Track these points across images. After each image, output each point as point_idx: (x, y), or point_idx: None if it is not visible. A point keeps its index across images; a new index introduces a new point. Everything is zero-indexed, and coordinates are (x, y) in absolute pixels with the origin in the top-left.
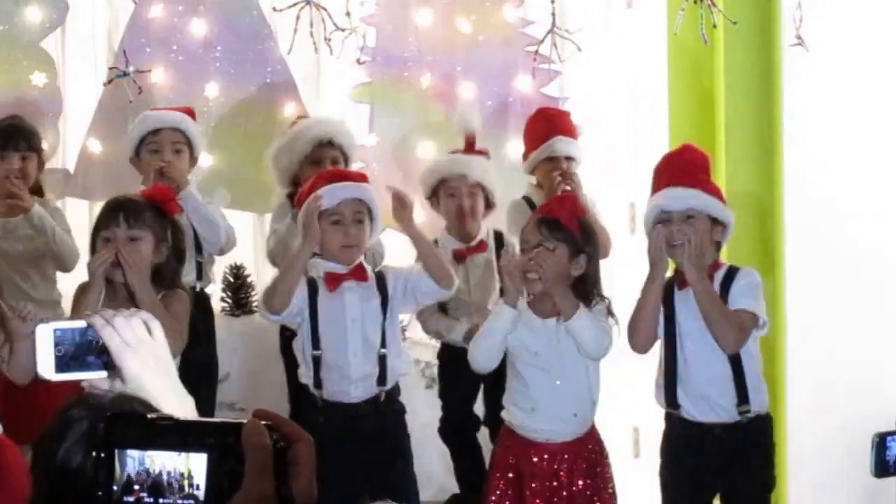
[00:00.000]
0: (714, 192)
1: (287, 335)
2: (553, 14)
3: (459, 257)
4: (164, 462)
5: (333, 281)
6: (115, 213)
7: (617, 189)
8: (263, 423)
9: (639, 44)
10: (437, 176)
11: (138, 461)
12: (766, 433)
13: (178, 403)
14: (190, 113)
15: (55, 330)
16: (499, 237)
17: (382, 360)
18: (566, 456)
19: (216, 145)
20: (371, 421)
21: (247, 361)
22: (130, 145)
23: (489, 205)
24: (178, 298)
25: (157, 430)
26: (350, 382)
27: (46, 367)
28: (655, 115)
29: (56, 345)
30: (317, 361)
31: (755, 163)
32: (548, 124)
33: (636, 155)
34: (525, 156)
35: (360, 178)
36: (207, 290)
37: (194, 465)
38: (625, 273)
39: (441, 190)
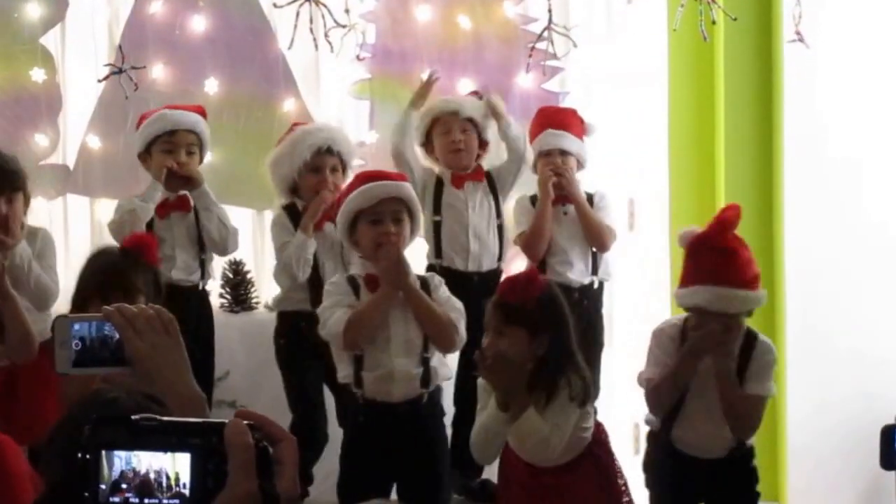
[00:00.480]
0: (755, 278)
1: (282, 343)
2: (549, 10)
3: (458, 182)
4: (150, 462)
5: (374, 283)
6: (110, 284)
7: (616, 185)
8: (246, 422)
9: (639, 39)
10: (431, 116)
11: (125, 461)
12: (752, 458)
13: (188, 400)
14: (202, 112)
15: (73, 324)
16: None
17: (426, 361)
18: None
19: (216, 142)
20: (410, 422)
21: (246, 359)
22: (142, 141)
23: (482, 144)
24: None
25: (141, 431)
26: (392, 382)
27: (64, 362)
28: (655, 111)
29: (73, 339)
30: (358, 360)
31: (755, 160)
32: (544, 120)
33: (636, 151)
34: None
35: (398, 177)
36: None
37: (180, 465)
38: (623, 268)
39: (434, 131)
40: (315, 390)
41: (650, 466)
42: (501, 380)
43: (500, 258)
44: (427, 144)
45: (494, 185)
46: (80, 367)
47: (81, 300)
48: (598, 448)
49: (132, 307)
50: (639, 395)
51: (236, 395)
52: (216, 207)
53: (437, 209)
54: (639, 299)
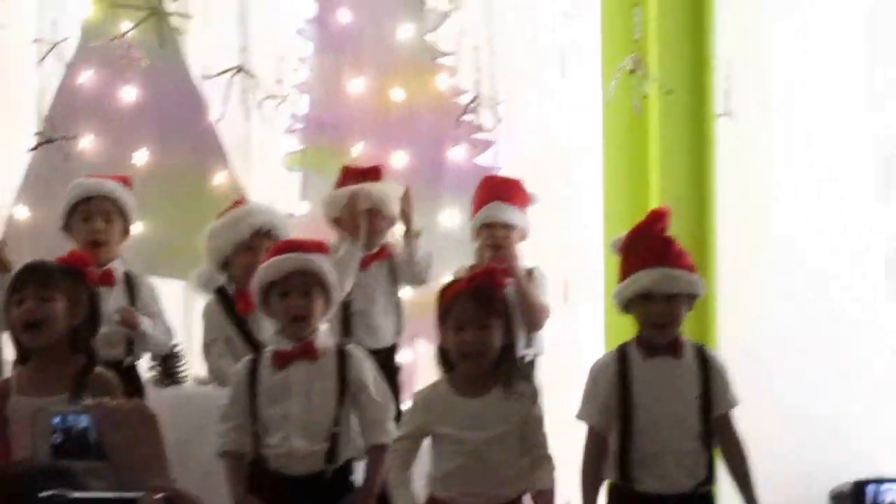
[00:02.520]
0: (693, 267)
1: None
2: (478, 83)
3: (364, 263)
4: None
5: (281, 359)
6: (27, 276)
7: (550, 259)
8: (159, 496)
9: (573, 112)
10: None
11: None
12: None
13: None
14: (125, 181)
15: (53, 417)
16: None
17: (334, 437)
18: None
19: (145, 212)
20: (314, 496)
21: (175, 432)
22: (62, 213)
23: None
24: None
25: None
26: (291, 459)
27: (43, 454)
28: (589, 184)
29: (53, 432)
30: (256, 436)
31: (689, 231)
32: (489, 191)
33: (569, 225)
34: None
35: (314, 247)
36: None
37: None
38: (555, 343)
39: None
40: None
41: None
42: (480, 368)
43: (397, 332)
44: (338, 219)
45: (395, 266)
46: (60, 459)
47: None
48: None
49: (111, 402)
50: (570, 472)
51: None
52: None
53: None
54: (571, 374)
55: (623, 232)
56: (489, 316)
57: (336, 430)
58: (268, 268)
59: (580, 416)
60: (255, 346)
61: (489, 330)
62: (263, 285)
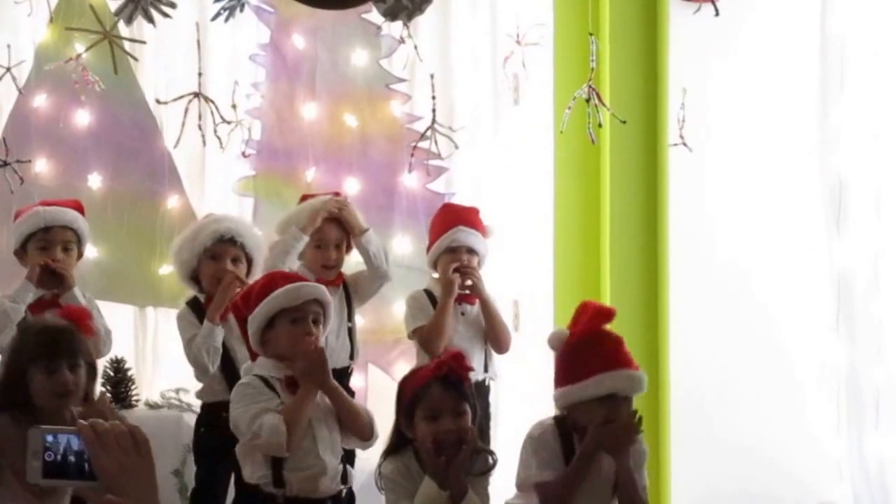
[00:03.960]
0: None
1: (201, 432)
2: (433, 110)
3: None
4: None
5: (294, 385)
6: (56, 344)
7: (502, 285)
8: None
9: (526, 141)
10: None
11: None
12: None
13: None
14: (79, 207)
15: (46, 435)
16: None
17: (343, 458)
18: None
19: (99, 237)
20: None
21: None
22: (17, 238)
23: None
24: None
25: None
26: (321, 479)
27: (34, 473)
28: (541, 212)
29: (46, 450)
30: (276, 461)
31: (641, 260)
32: (451, 216)
33: (521, 251)
34: (428, 248)
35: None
36: None
37: None
38: (507, 369)
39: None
40: (221, 484)
41: None
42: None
43: (351, 356)
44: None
45: (349, 292)
46: (50, 478)
47: (25, 362)
48: None
49: (105, 424)
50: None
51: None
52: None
53: None
54: (522, 400)
55: (560, 328)
56: (463, 402)
57: (346, 450)
58: (282, 294)
59: (527, 485)
60: (225, 354)
61: (465, 416)
62: (273, 312)
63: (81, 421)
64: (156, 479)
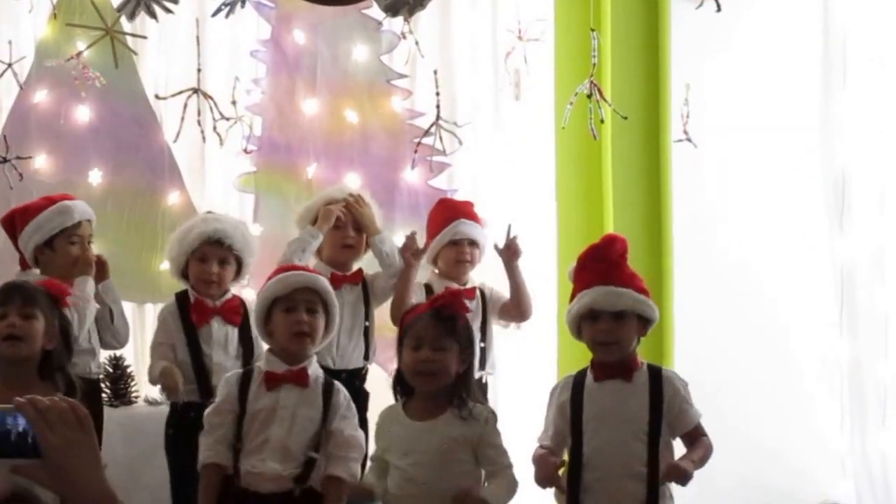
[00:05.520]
0: (644, 290)
1: (170, 432)
2: (438, 106)
3: (336, 283)
4: None
5: (273, 380)
6: (11, 293)
7: (504, 282)
8: None
9: (527, 136)
10: (324, 201)
11: None
12: None
13: (100, 497)
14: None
15: None
16: (480, 292)
17: (309, 463)
18: None
19: (98, 233)
20: None
21: (125, 452)
22: (43, 234)
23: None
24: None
25: None
26: (262, 481)
27: None
28: (543, 208)
29: None
30: (236, 452)
31: (644, 256)
32: (451, 210)
33: (523, 248)
34: (426, 244)
35: (315, 271)
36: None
37: None
38: (508, 365)
39: (325, 222)
40: (191, 483)
41: None
42: (432, 388)
43: (366, 357)
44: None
45: (367, 292)
46: None
47: None
48: None
49: (45, 400)
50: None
51: (114, 489)
52: (120, 303)
53: None
54: (524, 395)
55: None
56: (447, 338)
57: (313, 455)
58: (274, 284)
59: (539, 440)
60: (198, 356)
61: (445, 352)
62: (267, 302)
63: (19, 398)
64: (100, 454)
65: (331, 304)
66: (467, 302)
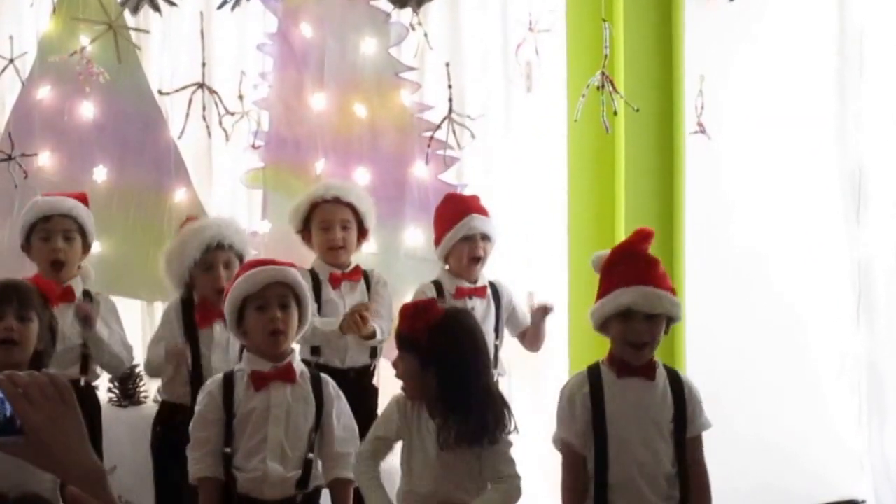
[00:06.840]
0: (674, 290)
1: (158, 431)
2: (450, 100)
3: (334, 282)
4: None
5: (259, 380)
6: (7, 294)
7: (515, 276)
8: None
9: (539, 130)
10: (310, 201)
11: None
12: None
13: (88, 470)
14: (82, 198)
15: None
16: (494, 287)
17: (307, 464)
18: None
19: (104, 231)
20: None
21: (134, 453)
22: (21, 233)
23: (363, 232)
24: None
25: None
26: (265, 484)
27: None
28: (554, 202)
29: None
30: (227, 458)
31: (656, 250)
32: (461, 205)
33: (534, 243)
34: (437, 241)
35: (286, 263)
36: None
37: None
38: (520, 363)
39: (314, 221)
40: (176, 483)
41: None
42: (415, 395)
43: (373, 354)
44: (304, 231)
45: (370, 285)
46: None
47: None
48: None
49: (24, 375)
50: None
51: (123, 489)
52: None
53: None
54: (536, 396)
55: (603, 251)
56: (400, 349)
57: (310, 456)
58: (243, 281)
59: (557, 439)
60: (196, 359)
61: (400, 363)
62: (238, 301)
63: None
64: (84, 427)
65: (303, 297)
66: (477, 302)
